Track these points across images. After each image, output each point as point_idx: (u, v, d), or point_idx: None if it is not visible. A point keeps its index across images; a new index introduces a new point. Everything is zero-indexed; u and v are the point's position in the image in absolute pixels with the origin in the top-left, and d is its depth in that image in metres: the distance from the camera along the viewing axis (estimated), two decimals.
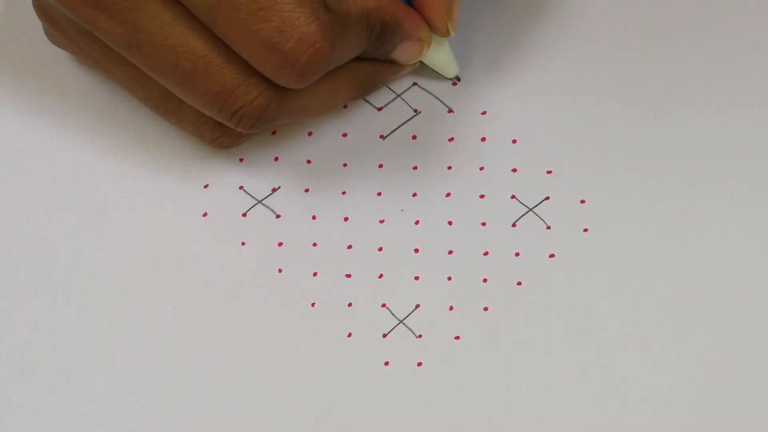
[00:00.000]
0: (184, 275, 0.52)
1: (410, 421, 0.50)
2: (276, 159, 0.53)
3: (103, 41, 0.47)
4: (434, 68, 0.53)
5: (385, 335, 0.51)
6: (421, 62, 0.52)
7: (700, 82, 0.55)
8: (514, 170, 0.54)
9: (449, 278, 0.52)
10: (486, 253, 0.53)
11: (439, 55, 0.52)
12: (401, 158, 0.54)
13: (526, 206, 0.53)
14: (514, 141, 0.54)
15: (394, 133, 0.54)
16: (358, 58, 0.49)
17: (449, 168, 0.54)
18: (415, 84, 0.55)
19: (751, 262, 0.52)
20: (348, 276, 0.52)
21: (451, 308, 0.52)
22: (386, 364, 0.51)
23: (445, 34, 0.51)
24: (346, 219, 0.53)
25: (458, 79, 0.54)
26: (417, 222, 0.53)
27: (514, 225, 0.53)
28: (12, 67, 0.53)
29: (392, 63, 0.51)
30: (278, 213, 0.53)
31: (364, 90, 0.51)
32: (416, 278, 0.52)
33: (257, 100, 0.47)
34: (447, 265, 0.52)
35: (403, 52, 0.51)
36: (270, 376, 0.51)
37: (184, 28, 0.46)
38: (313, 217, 0.53)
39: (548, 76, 0.55)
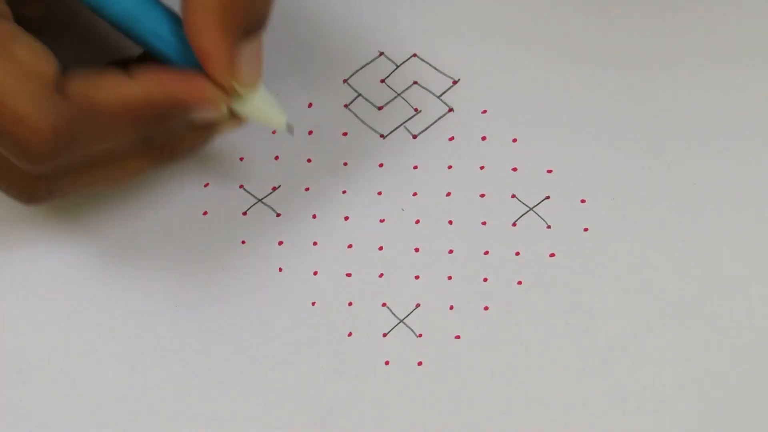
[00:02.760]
0: (184, 275, 0.52)
1: (410, 421, 0.50)
2: (276, 158, 0.53)
3: None
4: (256, 120, 0.48)
5: (385, 335, 0.51)
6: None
7: (701, 82, 0.54)
8: (515, 169, 0.54)
9: (449, 277, 0.52)
10: (486, 253, 0.53)
11: (256, 108, 0.47)
12: (401, 157, 0.54)
13: (526, 205, 0.53)
14: (515, 140, 0.54)
15: (394, 132, 0.54)
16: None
17: (449, 167, 0.54)
18: (415, 83, 0.55)
19: (751, 261, 0.52)
20: (348, 275, 0.52)
21: (451, 308, 0.52)
22: (386, 363, 0.51)
23: (233, 92, 0.46)
24: (346, 218, 0.53)
25: (290, 130, 0.48)
26: (417, 221, 0.53)
27: (514, 224, 0.53)
28: None
29: (196, 129, 0.47)
30: (278, 212, 0.53)
31: (163, 159, 0.47)
32: (416, 277, 0.52)
33: (21, 183, 0.45)
34: (447, 264, 0.52)
35: (200, 121, 0.46)
36: (270, 376, 0.51)
37: None
38: (314, 216, 0.53)
39: (548, 75, 0.55)
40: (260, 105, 0.47)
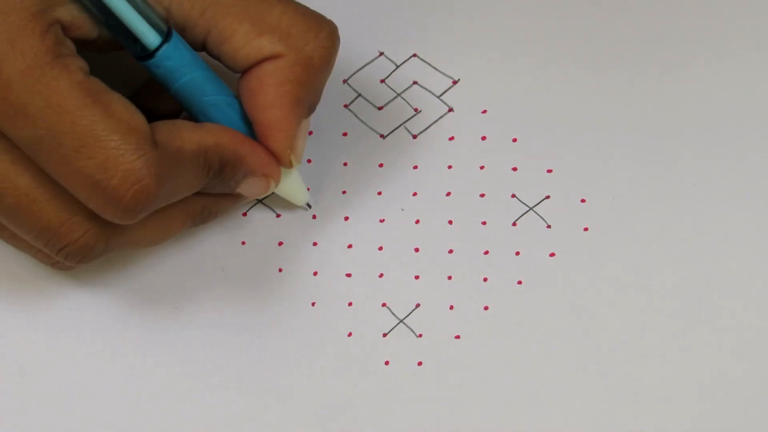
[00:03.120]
0: (184, 275, 0.52)
1: (410, 421, 0.50)
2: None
3: None
4: (283, 196, 0.51)
5: (385, 335, 0.51)
6: None
7: (701, 82, 0.54)
8: (515, 169, 0.54)
9: (449, 277, 0.52)
10: (486, 252, 0.53)
11: (288, 186, 0.50)
12: (401, 157, 0.54)
13: (526, 205, 0.53)
14: (515, 140, 0.54)
15: (394, 132, 0.54)
16: (197, 192, 0.47)
17: (449, 167, 0.54)
18: (415, 83, 0.55)
19: (751, 261, 0.52)
20: (348, 275, 0.52)
21: (451, 307, 0.52)
22: (386, 363, 0.51)
23: (288, 166, 0.49)
24: (346, 218, 0.53)
25: (309, 206, 0.52)
26: (417, 221, 0.53)
27: (514, 224, 0.53)
28: None
29: (236, 194, 0.49)
30: (278, 212, 0.53)
31: (200, 221, 0.49)
32: (416, 277, 0.52)
33: (82, 239, 0.46)
34: (447, 264, 0.52)
35: (248, 188, 0.49)
36: (270, 376, 0.51)
37: (7, 163, 0.45)
38: (314, 217, 0.53)
39: (548, 75, 0.55)
40: (293, 183, 0.50)
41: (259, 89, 0.47)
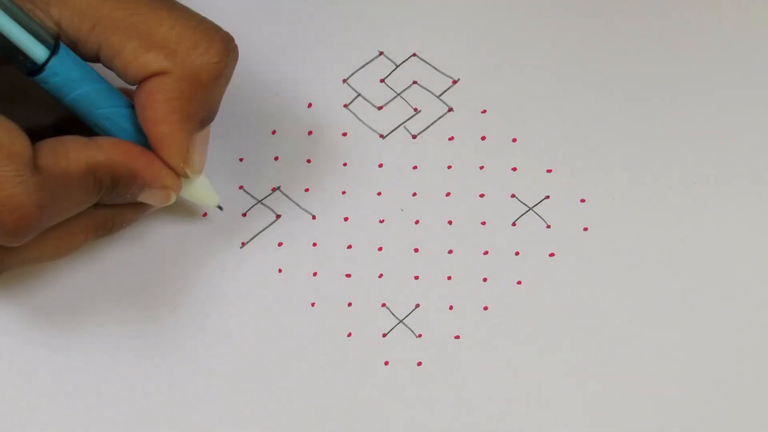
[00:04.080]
0: (184, 275, 0.52)
1: (410, 421, 0.50)
2: (276, 159, 0.53)
3: None
4: (191, 201, 0.51)
5: (385, 335, 0.51)
6: None
7: (701, 81, 0.54)
8: (514, 169, 0.54)
9: (449, 278, 0.52)
10: (486, 253, 0.53)
11: (193, 191, 0.50)
12: (401, 158, 0.54)
13: (526, 205, 0.53)
14: (514, 140, 0.54)
15: (394, 132, 0.54)
16: (96, 204, 0.47)
17: (449, 167, 0.54)
18: (415, 83, 0.55)
19: (751, 261, 0.52)
20: (348, 276, 0.52)
21: (451, 308, 0.52)
22: (386, 363, 0.51)
23: (185, 176, 0.48)
24: (346, 219, 0.53)
25: (220, 208, 0.52)
26: (417, 221, 0.53)
27: (514, 224, 0.53)
28: None
29: (139, 204, 0.49)
30: (278, 213, 0.53)
31: (104, 231, 0.49)
32: (416, 278, 0.52)
33: None
34: (447, 264, 0.52)
35: (148, 198, 0.48)
36: (270, 376, 0.51)
37: None
38: (313, 217, 0.53)
39: (548, 75, 0.55)
40: (199, 188, 0.50)
41: (148, 105, 0.47)
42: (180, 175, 0.48)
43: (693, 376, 0.51)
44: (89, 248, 0.52)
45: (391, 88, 0.54)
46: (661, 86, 0.54)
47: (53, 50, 0.45)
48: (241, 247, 0.52)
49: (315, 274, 0.52)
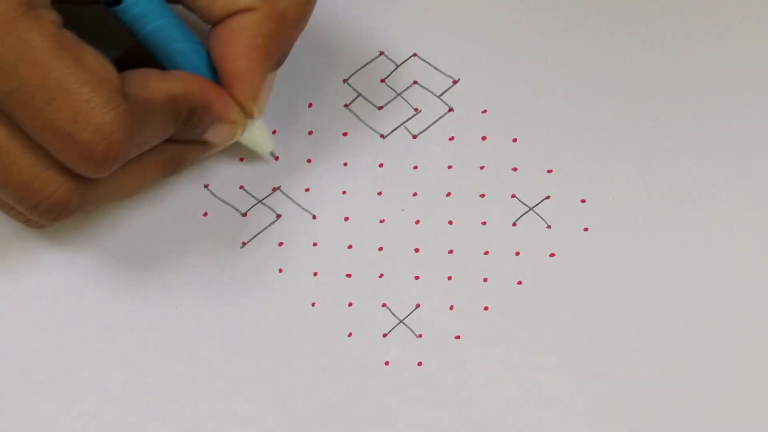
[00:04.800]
0: (184, 275, 0.52)
1: (410, 421, 0.50)
2: (276, 158, 0.53)
3: None
4: (248, 145, 0.52)
5: (385, 335, 0.51)
6: None
7: (701, 81, 0.54)
8: (515, 169, 0.54)
9: (449, 278, 0.52)
10: (486, 253, 0.53)
11: (252, 134, 0.51)
12: (401, 157, 0.54)
13: (526, 205, 0.53)
14: (515, 140, 0.54)
15: (395, 132, 0.54)
16: (166, 139, 0.48)
17: (449, 167, 0.54)
18: (415, 83, 0.55)
19: (751, 261, 0.52)
20: (348, 276, 0.52)
21: (451, 308, 0.52)
22: (386, 364, 0.51)
23: (250, 116, 0.49)
24: (346, 219, 0.53)
25: (273, 155, 0.53)
26: (417, 221, 0.53)
27: (514, 224, 0.53)
28: None
29: (203, 142, 0.50)
30: (278, 213, 0.53)
31: (171, 170, 0.50)
32: (416, 278, 0.52)
33: (57, 193, 0.46)
34: (447, 264, 0.52)
35: (215, 134, 0.49)
36: (270, 376, 0.51)
37: None
38: (314, 217, 0.53)
39: (548, 75, 0.55)
40: (258, 132, 0.51)
41: (229, 40, 0.48)
42: (247, 113, 0.49)
43: (693, 376, 0.51)
44: (88, 246, 0.52)
45: (391, 88, 0.54)
46: (662, 86, 0.54)
47: None
48: (241, 247, 0.52)
49: (315, 274, 0.52)
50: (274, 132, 0.53)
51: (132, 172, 0.48)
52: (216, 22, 0.48)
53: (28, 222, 0.49)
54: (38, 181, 0.45)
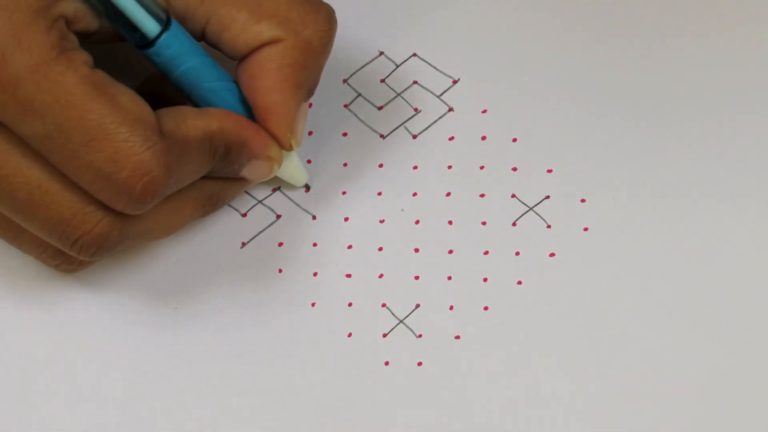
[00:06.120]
0: (184, 275, 0.52)
1: (410, 421, 0.50)
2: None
3: None
4: (283, 178, 0.52)
5: (385, 335, 0.51)
6: None
7: (700, 81, 0.54)
8: (515, 169, 0.54)
9: (449, 278, 0.52)
10: (486, 253, 0.53)
11: (288, 167, 0.51)
12: (401, 157, 0.54)
13: (526, 205, 0.53)
14: (515, 140, 0.54)
15: (395, 132, 0.54)
16: (203, 177, 0.48)
17: (449, 167, 0.54)
18: (415, 83, 0.55)
19: (751, 261, 0.52)
20: (348, 276, 0.52)
21: (451, 308, 0.52)
22: (386, 364, 0.51)
23: (288, 148, 0.49)
24: (346, 219, 0.53)
25: (308, 186, 0.53)
26: (417, 221, 0.53)
27: (514, 224, 0.53)
28: None
29: (240, 179, 0.50)
30: (278, 213, 0.53)
31: (210, 208, 0.50)
32: (416, 278, 0.52)
33: (96, 228, 0.46)
34: (447, 264, 0.52)
35: (252, 171, 0.49)
36: (270, 376, 0.51)
37: (18, 156, 0.45)
38: (314, 217, 0.53)
39: (548, 75, 0.55)
40: (293, 165, 0.51)
41: (258, 74, 0.48)
42: (284, 146, 0.49)
43: (693, 376, 0.51)
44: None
45: (391, 88, 0.54)
46: (662, 86, 0.54)
47: (165, 25, 0.46)
48: (241, 247, 0.52)
49: (315, 274, 0.52)
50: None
51: (170, 209, 0.48)
52: (242, 57, 0.48)
53: (59, 266, 0.49)
54: (78, 218, 0.46)
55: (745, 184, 0.53)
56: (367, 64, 0.55)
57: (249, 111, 0.49)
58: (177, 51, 0.47)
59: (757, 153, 0.54)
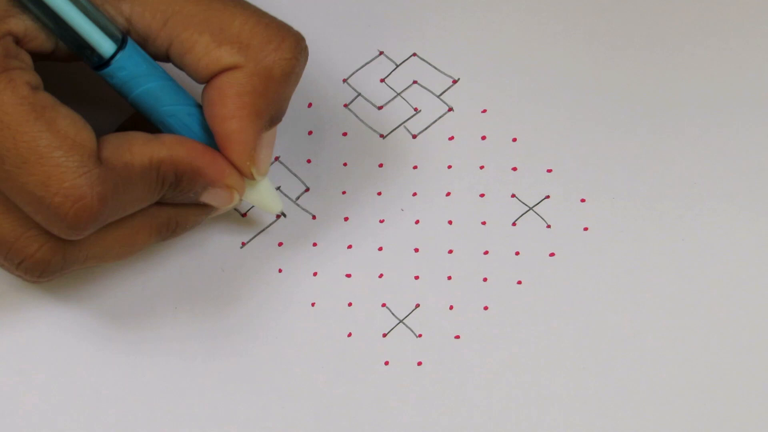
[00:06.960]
0: (184, 275, 0.52)
1: (410, 421, 0.50)
2: (276, 159, 0.53)
3: None
4: (255, 204, 0.50)
5: (385, 335, 0.51)
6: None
7: (700, 81, 0.54)
8: (515, 169, 0.54)
9: (449, 278, 0.52)
10: (486, 252, 0.53)
11: (258, 194, 0.49)
12: (401, 157, 0.54)
13: (526, 205, 0.53)
14: (515, 140, 0.54)
15: (394, 132, 0.54)
16: (159, 203, 0.47)
17: (449, 167, 0.54)
18: (415, 82, 0.55)
19: (750, 261, 0.52)
20: (348, 276, 0.52)
21: (451, 308, 0.52)
22: (386, 363, 0.51)
23: (250, 177, 0.48)
24: (346, 219, 0.53)
25: (284, 214, 0.52)
26: (417, 221, 0.53)
27: (514, 224, 0.53)
28: None
29: (203, 205, 0.49)
30: (278, 213, 0.53)
31: (168, 233, 0.49)
32: (416, 278, 0.52)
33: (38, 253, 0.46)
34: (447, 264, 0.52)
35: (211, 198, 0.48)
36: (270, 377, 0.51)
37: None
38: (313, 218, 0.53)
39: (548, 75, 0.55)
40: (263, 192, 0.49)
41: (218, 100, 0.47)
42: (245, 175, 0.48)
43: (693, 376, 0.51)
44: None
45: (391, 88, 0.54)
46: (662, 87, 0.54)
47: (120, 45, 0.45)
48: (241, 247, 0.52)
49: (315, 274, 0.52)
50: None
51: (121, 234, 0.47)
52: (205, 81, 0.47)
53: (21, 276, 0.48)
54: (20, 241, 0.45)
55: (744, 184, 0.53)
56: (367, 63, 0.55)
57: (211, 136, 0.48)
58: (133, 72, 0.46)
59: (756, 153, 0.54)
